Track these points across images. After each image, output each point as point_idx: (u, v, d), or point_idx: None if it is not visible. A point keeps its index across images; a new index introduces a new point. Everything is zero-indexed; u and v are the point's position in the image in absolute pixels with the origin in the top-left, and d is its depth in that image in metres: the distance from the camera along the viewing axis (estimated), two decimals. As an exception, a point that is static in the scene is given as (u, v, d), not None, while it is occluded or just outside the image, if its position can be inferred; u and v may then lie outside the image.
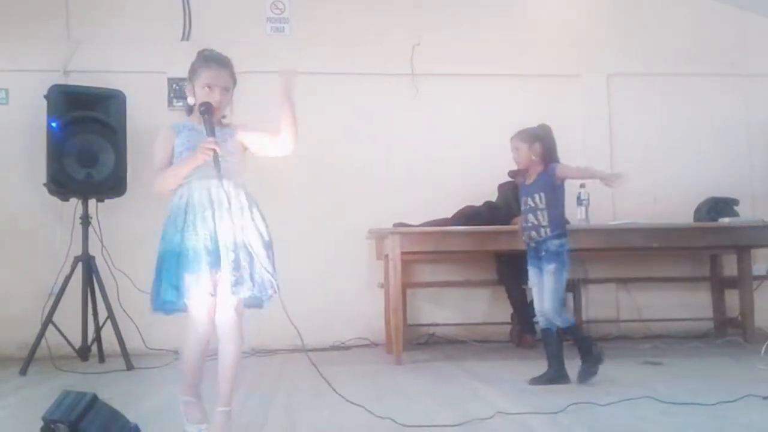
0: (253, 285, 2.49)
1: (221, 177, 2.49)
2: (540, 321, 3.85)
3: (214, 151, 2.47)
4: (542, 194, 3.77)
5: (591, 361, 3.73)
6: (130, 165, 5.06)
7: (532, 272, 3.85)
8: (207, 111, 2.56)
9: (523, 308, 5.40)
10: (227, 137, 2.62)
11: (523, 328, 5.39)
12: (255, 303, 2.61)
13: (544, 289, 3.74)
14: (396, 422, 2.74)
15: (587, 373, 3.70)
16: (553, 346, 3.78)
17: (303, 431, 2.73)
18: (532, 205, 3.80)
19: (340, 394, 2.75)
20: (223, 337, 2.55)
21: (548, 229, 3.74)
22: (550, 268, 3.72)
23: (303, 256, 5.60)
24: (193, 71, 2.65)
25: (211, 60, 2.63)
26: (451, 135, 5.89)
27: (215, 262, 2.46)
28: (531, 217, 3.80)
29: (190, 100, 2.66)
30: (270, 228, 2.60)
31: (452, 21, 6.07)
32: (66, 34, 5.68)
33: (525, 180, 3.93)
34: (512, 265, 5.23)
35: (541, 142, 3.83)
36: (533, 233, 3.78)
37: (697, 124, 6.23)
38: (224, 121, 2.70)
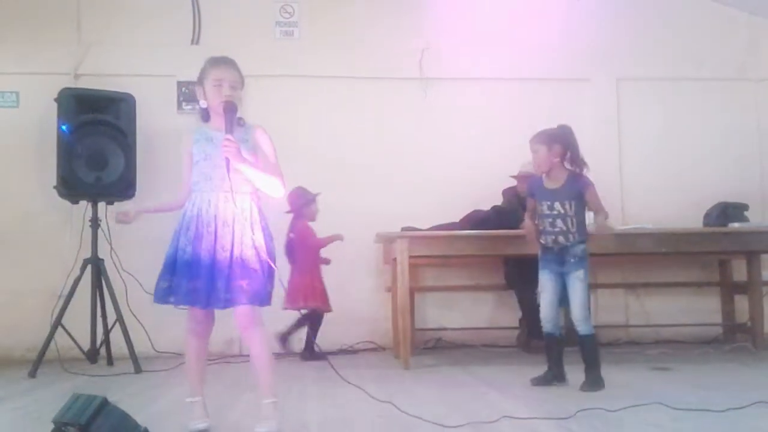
0: (246, 295, 2.64)
1: (230, 179, 2.60)
2: (546, 326, 3.84)
3: (227, 158, 2.58)
4: (573, 202, 3.73)
5: (594, 378, 3.67)
6: (140, 168, 5.08)
7: (546, 277, 3.80)
8: (228, 109, 2.65)
9: (534, 313, 5.38)
10: (241, 141, 2.66)
11: (531, 333, 5.38)
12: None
13: (573, 295, 3.70)
14: (403, 417, 2.76)
15: (590, 387, 3.64)
16: (554, 350, 3.84)
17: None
18: (561, 211, 3.73)
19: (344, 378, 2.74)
20: (247, 341, 2.81)
21: (576, 235, 3.72)
22: (579, 274, 3.70)
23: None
24: (202, 73, 2.77)
25: (218, 60, 2.76)
26: (459, 139, 5.89)
27: (212, 274, 2.63)
28: (560, 222, 3.73)
29: (203, 103, 2.76)
30: (273, 240, 2.78)
31: (461, 25, 6.08)
32: (76, 37, 5.72)
33: (544, 182, 3.83)
34: (521, 269, 5.22)
35: (560, 144, 3.77)
36: (561, 238, 3.73)
37: (707, 129, 6.22)
38: (241, 122, 2.75)
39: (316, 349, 4.95)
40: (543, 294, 3.83)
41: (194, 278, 2.64)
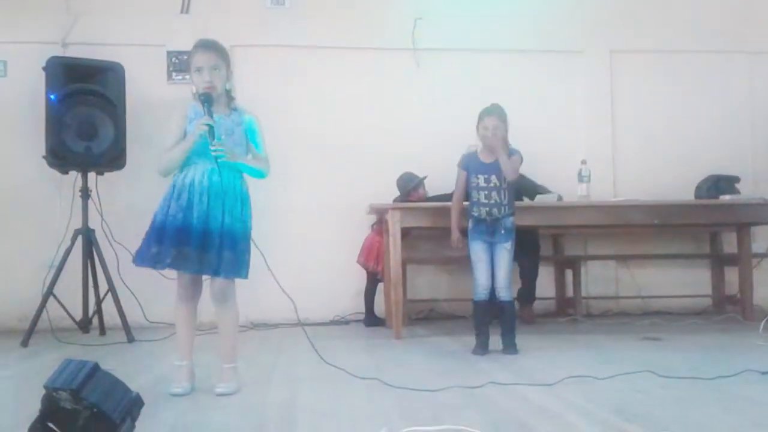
0: (229, 267, 2.79)
1: (215, 147, 2.72)
2: (483, 293, 3.92)
3: (209, 128, 2.71)
4: (503, 175, 3.87)
5: (512, 341, 3.90)
6: (129, 138, 5.03)
7: (479, 247, 3.92)
8: (205, 100, 2.80)
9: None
10: (234, 126, 2.88)
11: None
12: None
13: (499, 264, 3.89)
14: (385, 383, 2.82)
15: (510, 350, 3.88)
16: (488, 318, 3.97)
17: (303, 404, 2.74)
18: (496, 183, 3.89)
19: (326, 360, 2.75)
20: (220, 312, 2.93)
21: (507, 208, 3.90)
22: (507, 245, 3.90)
23: (304, 231, 5.61)
24: (188, 60, 2.94)
25: (198, 45, 2.89)
26: (452, 110, 5.83)
27: (204, 242, 2.76)
28: (494, 195, 3.88)
29: (193, 88, 2.88)
30: (252, 219, 2.91)
31: (454, -5, 6.02)
32: (65, 5, 5.64)
33: (480, 157, 3.98)
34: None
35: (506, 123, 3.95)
36: (494, 210, 3.89)
37: (700, 101, 6.22)
38: (233, 104, 2.91)
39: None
40: (479, 264, 3.92)
41: (185, 244, 2.75)
